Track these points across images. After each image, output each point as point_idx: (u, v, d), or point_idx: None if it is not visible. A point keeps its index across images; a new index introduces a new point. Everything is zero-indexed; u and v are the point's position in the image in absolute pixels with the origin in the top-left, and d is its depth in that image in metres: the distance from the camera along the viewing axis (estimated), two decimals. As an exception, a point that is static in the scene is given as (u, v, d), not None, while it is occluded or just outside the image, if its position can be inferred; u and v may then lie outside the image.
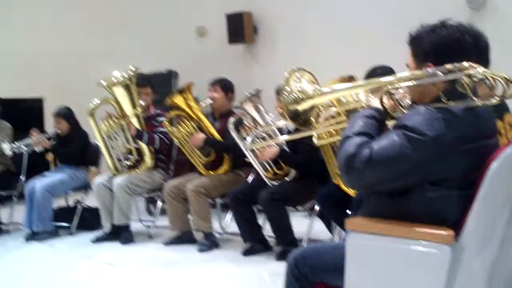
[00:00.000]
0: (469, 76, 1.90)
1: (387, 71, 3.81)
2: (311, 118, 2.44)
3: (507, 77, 1.86)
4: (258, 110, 4.88)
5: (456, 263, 1.86)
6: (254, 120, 4.84)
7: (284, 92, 2.40)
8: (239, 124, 4.90)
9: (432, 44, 2.11)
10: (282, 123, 4.00)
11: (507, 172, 1.92)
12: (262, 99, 4.93)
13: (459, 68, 1.93)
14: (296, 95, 2.39)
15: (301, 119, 2.42)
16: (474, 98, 1.92)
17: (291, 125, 4.43)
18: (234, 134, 4.83)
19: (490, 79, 1.89)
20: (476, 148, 1.94)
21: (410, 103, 2.22)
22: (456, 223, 1.92)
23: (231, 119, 4.92)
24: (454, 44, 2.08)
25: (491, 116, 2.09)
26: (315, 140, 3.53)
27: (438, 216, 1.94)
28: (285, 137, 4.47)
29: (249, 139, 4.55)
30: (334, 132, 3.45)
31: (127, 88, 5.50)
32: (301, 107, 2.40)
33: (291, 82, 2.42)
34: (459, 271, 1.87)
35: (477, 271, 1.92)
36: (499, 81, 1.86)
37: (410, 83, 2.09)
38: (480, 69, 1.90)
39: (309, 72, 2.51)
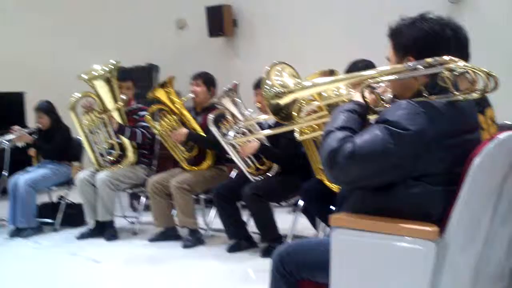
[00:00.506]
0: (450, 70, 1.89)
1: (367, 64, 3.82)
2: (293, 112, 2.43)
3: (488, 71, 1.86)
4: (236, 104, 4.86)
5: (441, 259, 1.86)
6: (233, 115, 4.83)
7: (266, 86, 2.38)
8: (220, 119, 4.88)
9: (412, 37, 2.10)
10: (262, 117, 3.99)
11: (490, 167, 1.92)
12: (240, 93, 4.92)
13: (439, 62, 1.92)
14: (277, 89, 2.37)
15: (283, 113, 2.40)
16: (456, 92, 1.92)
17: (271, 119, 4.43)
18: (214, 130, 4.82)
19: (471, 73, 1.89)
20: (459, 143, 1.94)
21: (391, 97, 2.21)
22: (440, 219, 1.91)
23: (210, 115, 4.89)
24: (434, 38, 2.08)
25: (473, 111, 2.09)
26: (297, 135, 3.52)
27: (422, 211, 1.93)
28: (268, 131, 4.46)
29: (230, 134, 4.54)
30: (316, 127, 3.45)
31: (108, 81, 5.46)
32: (282, 101, 2.38)
33: (272, 76, 2.41)
34: (444, 267, 1.87)
35: (462, 267, 1.93)
36: (480, 75, 1.86)
37: (391, 77, 2.08)
38: (461, 63, 1.89)
39: (290, 66, 2.50)
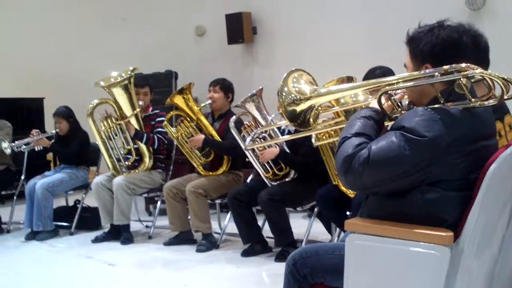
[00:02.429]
0: (467, 77, 1.89)
1: (385, 71, 3.82)
2: (310, 118, 2.44)
3: (506, 78, 1.86)
4: (259, 110, 4.88)
5: (455, 264, 1.86)
6: (255, 119, 4.84)
7: (282, 93, 2.39)
8: (239, 124, 4.90)
9: (429, 45, 2.10)
10: (283, 123, 4.00)
11: (506, 174, 1.92)
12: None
13: (456, 69, 1.92)
14: (294, 96, 2.38)
15: (299, 120, 2.41)
16: (472, 99, 1.92)
17: (291, 126, 4.44)
18: (235, 133, 4.83)
19: (488, 80, 1.89)
20: (475, 149, 1.94)
21: (408, 104, 2.22)
22: (455, 225, 1.92)
23: (233, 118, 4.92)
24: (452, 45, 2.08)
25: (489, 117, 2.08)
26: (313, 140, 3.53)
27: (437, 217, 1.93)
28: (285, 137, 4.46)
29: (249, 139, 4.56)
30: (333, 133, 3.46)
31: (125, 88, 5.51)
32: (299, 108, 2.39)
33: (289, 83, 2.42)
34: (459, 273, 1.86)
35: (476, 272, 1.92)
36: (498, 82, 1.86)
37: (408, 84, 2.08)
38: (478, 70, 1.89)
39: (308, 73, 2.51)
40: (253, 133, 4.58)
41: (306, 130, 2.54)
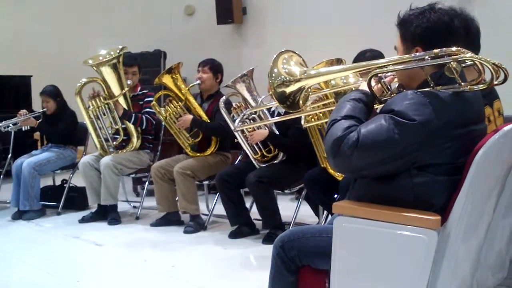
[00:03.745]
0: (457, 61, 1.88)
1: (375, 54, 3.81)
2: (299, 100, 2.42)
3: (496, 63, 1.86)
4: (250, 91, 4.87)
5: (442, 248, 1.87)
6: (245, 100, 4.83)
7: (272, 74, 2.38)
8: (228, 105, 4.89)
9: (420, 27, 2.09)
10: (272, 104, 3.98)
11: (494, 159, 1.92)
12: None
13: (447, 53, 1.92)
14: (283, 77, 2.37)
15: (289, 101, 2.40)
16: (462, 83, 1.91)
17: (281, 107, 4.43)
18: (225, 114, 4.81)
19: (478, 64, 1.88)
20: (464, 133, 1.94)
21: (398, 87, 2.21)
22: (443, 209, 1.92)
23: (222, 99, 4.90)
24: (442, 28, 2.07)
25: (479, 102, 2.08)
26: (302, 122, 3.53)
27: (425, 201, 1.94)
28: (275, 118, 4.45)
29: (239, 120, 4.55)
30: (322, 115, 3.45)
31: (114, 67, 5.47)
32: (288, 89, 2.38)
33: (279, 64, 2.40)
34: (445, 257, 1.87)
35: (463, 256, 1.93)
36: (488, 66, 1.85)
37: (398, 67, 2.07)
38: (468, 54, 1.89)
39: (298, 54, 2.49)
40: (243, 114, 4.58)
41: (295, 111, 2.53)
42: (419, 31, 2.09)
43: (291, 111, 2.50)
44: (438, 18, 2.08)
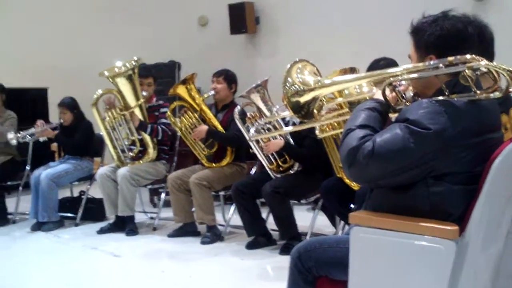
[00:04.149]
0: (472, 68, 1.87)
1: (390, 63, 3.79)
2: (314, 110, 2.42)
3: (511, 70, 1.84)
4: (264, 100, 4.86)
5: (460, 258, 1.85)
6: (259, 110, 4.82)
7: (286, 83, 2.37)
8: (242, 116, 4.89)
9: (434, 35, 2.08)
10: (286, 113, 3.97)
11: (511, 167, 1.91)
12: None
13: (461, 61, 1.90)
14: (297, 87, 2.36)
15: (303, 111, 2.39)
16: (477, 91, 1.90)
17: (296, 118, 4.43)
18: (239, 124, 4.82)
19: (494, 72, 1.87)
20: (481, 142, 1.92)
21: (412, 95, 2.20)
22: (460, 218, 1.91)
23: (237, 109, 4.90)
24: (456, 36, 2.05)
25: (495, 110, 2.06)
26: (317, 132, 3.52)
27: (442, 211, 1.92)
28: (289, 128, 4.45)
29: (253, 129, 4.55)
30: (336, 125, 3.44)
31: (129, 78, 5.50)
32: (303, 99, 2.37)
33: (293, 73, 2.40)
34: (464, 267, 1.86)
35: (482, 265, 1.92)
36: (503, 74, 1.84)
37: (412, 76, 2.06)
38: (483, 62, 1.87)
39: (311, 64, 2.49)
40: (257, 123, 4.58)
41: (310, 121, 2.52)
42: (433, 39, 2.08)
43: (305, 121, 2.50)
44: (451, 25, 2.07)
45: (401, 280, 1.94)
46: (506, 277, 2.06)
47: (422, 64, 2.04)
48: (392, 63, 3.77)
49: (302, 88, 2.36)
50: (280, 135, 4.76)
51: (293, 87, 2.37)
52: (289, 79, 2.38)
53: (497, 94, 1.89)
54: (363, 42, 6.63)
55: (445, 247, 1.83)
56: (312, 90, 2.37)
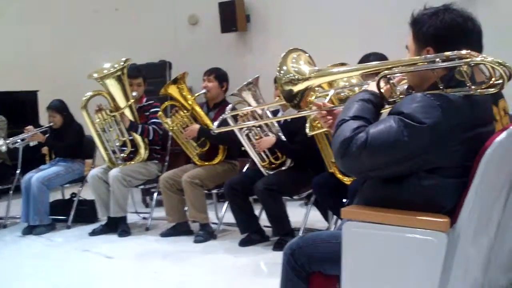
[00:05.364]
0: (468, 64, 1.87)
1: (380, 57, 3.80)
2: (307, 99, 2.39)
3: (507, 66, 1.84)
4: (256, 98, 4.87)
5: (452, 250, 1.86)
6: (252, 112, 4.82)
7: (281, 71, 2.34)
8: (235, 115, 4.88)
9: (433, 28, 2.07)
10: (279, 117, 3.97)
11: (502, 158, 1.91)
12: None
13: (458, 56, 1.89)
14: (292, 76, 2.34)
15: (296, 100, 2.37)
16: (473, 87, 1.89)
17: (287, 116, 4.45)
18: (231, 122, 4.82)
19: (490, 68, 1.86)
20: (473, 136, 1.92)
21: (406, 88, 2.19)
22: (452, 211, 1.91)
23: (229, 107, 4.90)
24: (456, 30, 2.05)
25: (487, 104, 2.06)
26: (307, 130, 3.51)
27: (435, 204, 1.92)
28: (278, 117, 4.44)
29: (245, 128, 4.55)
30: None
31: (119, 79, 5.48)
32: (296, 88, 2.35)
33: (289, 62, 2.38)
34: (455, 258, 1.86)
35: (473, 257, 1.92)
36: (499, 70, 1.83)
37: (408, 69, 2.05)
38: (479, 58, 1.86)
39: (305, 52, 2.47)
40: (250, 122, 4.58)
41: (302, 110, 2.50)
42: (432, 31, 2.07)
43: (297, 110, 2.47)
44: (451, 19, 2.06)
45: (393, 274, 1.94)
46: (497, 268, 2.06)
47: (418, 58, 2.03)
48: (381, 58, 3.78)
49: (296, 77, 2.34)
50: (271, 132, 4.76)
51: (287, 75, 2.34)
52: (284, 67, 2.35)
53: (492, 90, 1.88)
54: (354, 39, 6.62)
55: (437, 239, 1.84)
56: (306, 79, 2.34)
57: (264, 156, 4.85)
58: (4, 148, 5.87)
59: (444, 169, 1.92)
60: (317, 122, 3.54)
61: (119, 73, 5.45)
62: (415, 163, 1.91)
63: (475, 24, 2.10)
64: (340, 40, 6.81)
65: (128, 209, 5.66)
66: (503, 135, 1.89)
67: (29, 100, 8.48)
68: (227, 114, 4.54)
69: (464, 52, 1.89)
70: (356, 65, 2.84)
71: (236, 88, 4.93)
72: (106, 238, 5.41)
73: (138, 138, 5.55)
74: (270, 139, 4.73)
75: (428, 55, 2.01)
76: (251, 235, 4.91)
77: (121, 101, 5.50)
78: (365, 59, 3.92)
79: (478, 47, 2.06)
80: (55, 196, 6.29)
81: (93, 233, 5.54)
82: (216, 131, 4.59)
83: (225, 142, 5.21)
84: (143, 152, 5.60)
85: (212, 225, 5.30)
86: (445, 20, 2.06)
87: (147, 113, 5.67)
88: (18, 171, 6.20)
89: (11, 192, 6.14)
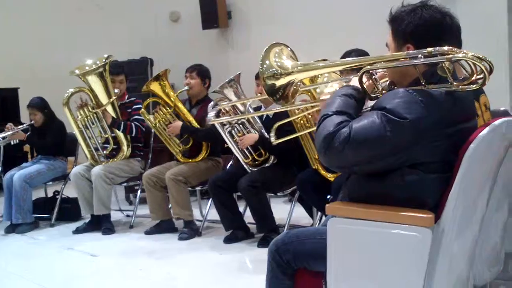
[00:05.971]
0: (450, 60, 1.88)
1: (361, 54, 3.82)
2: (289, 94, 2.39)
3: (487, 61, 1.85)
4: (237, 95, 4.87)
5: (437, 245, 1.87)
6: (233, 105, 4.82)
7: (264, 65, 2.33)
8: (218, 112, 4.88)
9: (412, 25, 2.08)
10: (263, 112, 3.96)
11: (485, 153, 1.92)
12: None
13: (440, 52, 1.90)
14: (274, 70, 2.34)
15: (278, 94, 2.37)
16: (454, 83, 1.91)
17: (270, 112, 4.45)
18: (214, 119, 4.80)
19: (471, 64, 1.88)
20: (455, 132, 1.93)
21: (388, 84, 2.21)
22: (436, 206, 1.92)
23: (211, 104, 4.89)
24: (434, 26, 2.06)
25: (469, 99, 2.08)
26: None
27: (418, 199, 1.94)
28: (259, 112, 4.44)
29: (213, 113, 4.55)
30: (309, 125, 3.44)
31: (101, 76, 5.46)
32: (279, 82, 2.34)
33: (271, 56, 2.37)
34: (440, 253, 1.87)
35: (458, 252, 1.93)
36: (480, 67, 1.85)
37: (390, 64, 2.06)
38: (461, 54, 1.87)
39: (288, 47, 2.46)
40: (232, 119, 4.58)
41: (284, 105, 2.50)
42: (411, 28, 2.08)
43: (280, 104, 2.46)
44: (430, 15, 2.07)
45: (379, 269, 1.95)
46: (482, 262, 2.08)
47: (400, 54, 2.03)
48: (363, 54, 3.80)
49: (279, 71, 2.34)
50: (254, 128, 4.76)
51: (270, 69, 2.34)
52: (267, 61, 2.35)
53: (473, 87, 1.90)
54: (336, 36, 6.64)
55: (421, 234, 1.85)
56: (289, 74, 2.34)
57: (247, 153, 4.85)
58: (-16, 145, 5.83)
59: (427, 164, 1.93)
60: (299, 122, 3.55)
61: (101, 69, 5.43)
62: (398, 158, 1.92)
63: (453, 20, 2.11)
64: (322, 37, 6.83)
65: (112, 207, 5.63)
66: (485, 131, 1.91)
67: (10, 97, 8.40)
68: (211, 111, 4.54)
69: (446, 48, 1.90)
70: (339, 60, 2.84)
71: (217, 85, 4.92)
72: (90, 236, 5.39)
73: (120, 135, 5.53)
74: (253, 136, 4.73)
75: (410, 51, 2.01)
76: (236, 232, 4.91)
77: (103, 97, 5.48)
78: (347, 55, 3.93)
79: (457, 43, 2.08)
80: (38, 194, 6.25)
81: (77, 231, 5.51)
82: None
83: (208, 139, 5.21)
84: (125, 149, 5.59)
85: (197, 222, 5.29)
86: (424, 17, 2.07)
87: (129, 110, 5.65)
88: (-1, 169, 6.16)
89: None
